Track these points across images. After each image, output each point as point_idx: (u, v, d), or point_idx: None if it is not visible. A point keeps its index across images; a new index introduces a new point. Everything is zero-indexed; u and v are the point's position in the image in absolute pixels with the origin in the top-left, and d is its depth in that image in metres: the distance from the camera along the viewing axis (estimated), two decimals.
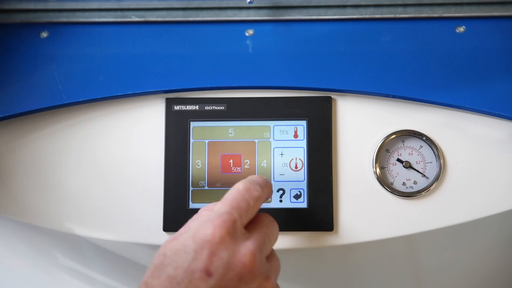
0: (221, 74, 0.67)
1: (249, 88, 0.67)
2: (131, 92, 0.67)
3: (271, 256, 0.56)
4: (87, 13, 0.73)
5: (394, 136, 0.66)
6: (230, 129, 0.66)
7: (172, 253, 0.51)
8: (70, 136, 0.68)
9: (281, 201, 0.65)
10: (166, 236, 0.65)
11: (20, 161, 0.68)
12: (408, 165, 0.66)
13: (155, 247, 0.66)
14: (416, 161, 0.66)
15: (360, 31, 0.70)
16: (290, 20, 0.72)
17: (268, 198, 0.59)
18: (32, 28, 0.72)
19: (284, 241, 0.65)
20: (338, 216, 0.65)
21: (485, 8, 0.71)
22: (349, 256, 0.69)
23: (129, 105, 0.68)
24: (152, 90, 0.67)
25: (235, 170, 0.66)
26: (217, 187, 0.65)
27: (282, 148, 0.66)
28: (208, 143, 0.66)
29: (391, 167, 0.66)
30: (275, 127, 0.66)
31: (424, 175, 0.66)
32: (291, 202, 0.65)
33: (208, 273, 0.50)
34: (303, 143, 0.66)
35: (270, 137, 0.66)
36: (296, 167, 0.66)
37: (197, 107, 0.67)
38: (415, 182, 0.66)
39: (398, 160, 0.66)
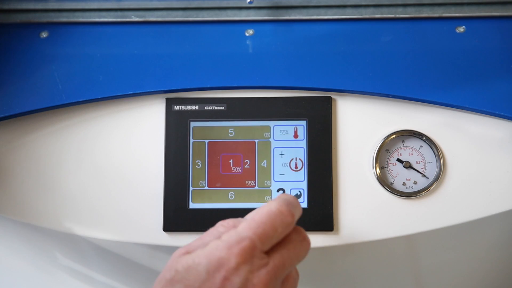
0: (221, 74, 0.67)
1: (249, 88, 0.67)
2: (131, 92, 0.67)
3: (288, 279, 0.53)
4: (87, 13, 0.73)
5: (394, 136, 0.66)
6: (230, 129, 0.66)
7: (184, 269, 0.50)
8: (70, 136, 0.68)
9: None
10: (166, 236, 0.65)
11: (20, 161, 0.68)
12: (408, 165, 0.66)
13: (155, 247, 0.66)
14: (416, 161, 0.66)
15: (360, 31, 0.70)
16: (290, 20, 0.72)
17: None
18: (32, 28, 0.72)
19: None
20: (338, 216, 0.65)
21: (485, 8, 0.71)
22: (349, 256, 0.69)
23: (129, 105, 0.68)
24: (152, 90, 0.67)
25: (235, 170, 0.66)
26: (217, 187, 0.65)
27: (282, 148, 0.66)
28: (208, 143, 0.66)
29: (391, 167, 0.66)
30: (275, 127, 0.66)
31: (424, 175, 0.66)
32: None
33: None
34: (303, 143, 0.66)
35: (270, 137, 0.66)
36: (296, 167, 0.66)
37: (197, 107, 0.67)
38: (415, 182, 0.66)
39: (398, 160, 0.66)
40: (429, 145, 0.66)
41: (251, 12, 0.72)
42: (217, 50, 0.70)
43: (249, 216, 0.53)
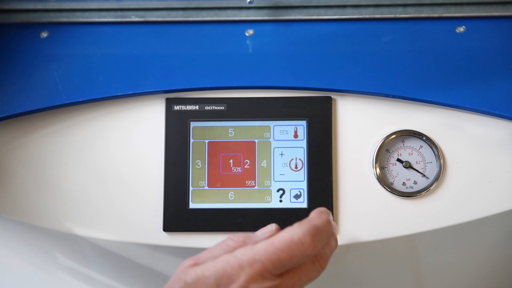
0: (221, 74, 0.67)
1: (249, 88, 0.67)
2: (131, 92, 0.67)
3: None
4: (87, 13, 0.73)
5: (394, 136, 0.66)
6: (230, 129, 0.66)
7: (193, 281, 0.50)
8: (70, 136, 0.68)
9: (281, 201, 0.65)
10: (166, 236, 0.65)
11: (20, 161, 0.68)
12: (408, 165, 0.66)
13: (155, 247, 0.66)
14: (416, 161, 0.66)
15: (360, 31, 0.70)
16: (290, 20, 0.72)
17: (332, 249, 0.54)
18: (32, 28, 0.72)
19: None
20: (338, 216, 0.65)
21: (485, 8, 0.71)
22: (349, 256, 0.69)
23: (129, 105, 0.68)
24: (152, 90, 0.67)
25: (235, 170, 0.66)
26: (217, 187, 0.65)
27: (282, 148, 0.66)
28: (208, 143, 0.66)
29: (391, 167, 0.66)
30: (275, 127, 0.66)
31: (424, 175, 0.66)
32: (291, 202, 0.65)
33: None
34: (303, 143, 0.66)
35: (270, 137, 0.66)
36: (296, 167, 0.66)
37: (197, 107, 0.67)
38: (415, 182, 0.66)
39: (398, 160, 0.66)
40: (429, 145, 0.66)
41: (251, 12, 0.72)
42: (217, 50, 0.70)
43: (267, 232, 0.52)
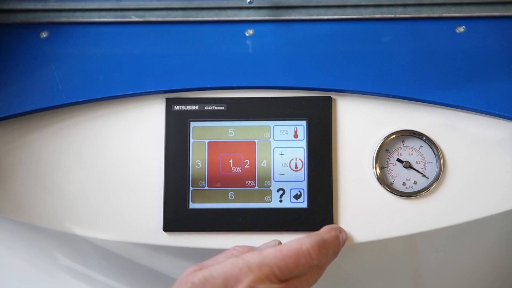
0: (221, 74, 0.67)
1: (249, 88, 0.67)
2: (131, 92, 0.67)
3: None
4: (87, 13, 0.73)
5: (394, 136, 0.66)
6: (230, 129, 0.66)
7: (201, 282, 0.51)
8: (69, 136, 0.68)
9: (281, 201, 0.65)
10: (166, 236, 0.65)
11: (20, 161, 0.68)
12: (408, 165, 0.66)
13: (155, 247, 0.66)
14: (416, 161, 0.66)
15: (360, 31, 0.70)
16: (290, 20, 0.72)
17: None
18: (32, 28, 0.72)
19: (284, 241, 0.65)
20: (338, 216, 0.65)
21: (485, 8, 0.71)
22: (349, 256, 0.69)
23: (129, 105, 0.68)
24: (152, 90, 0.67)
25: (235, 170, 0.66)
26: (217, 187, 0.65)
27: (282, 148, 0.66)
28: (208, 143, 0.66)
29: (391, 167, 0.66)
30: (275, 127, 0.66)
31: (424, 175, 0.66)
32: (291, 202, 0.65)
33: None
34: (303, 143, 0.66)
35: (270, 137, 0.66)
36: (296, 167, 0.66)
37: (197, 107, 0.67)
38: (415, 182, 0.66)
39: (398, 160, 0.66)
40: (429, 145, 0.66)
41: (251, 12, 0.72)
42: (217, 50, 0.70)
43: (270, 246, 0.54)
